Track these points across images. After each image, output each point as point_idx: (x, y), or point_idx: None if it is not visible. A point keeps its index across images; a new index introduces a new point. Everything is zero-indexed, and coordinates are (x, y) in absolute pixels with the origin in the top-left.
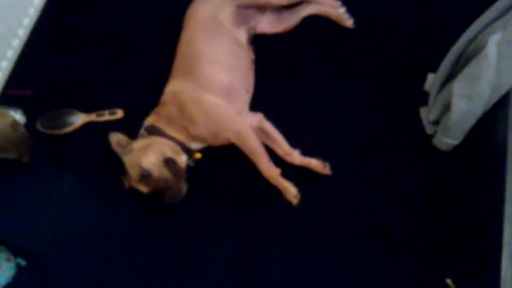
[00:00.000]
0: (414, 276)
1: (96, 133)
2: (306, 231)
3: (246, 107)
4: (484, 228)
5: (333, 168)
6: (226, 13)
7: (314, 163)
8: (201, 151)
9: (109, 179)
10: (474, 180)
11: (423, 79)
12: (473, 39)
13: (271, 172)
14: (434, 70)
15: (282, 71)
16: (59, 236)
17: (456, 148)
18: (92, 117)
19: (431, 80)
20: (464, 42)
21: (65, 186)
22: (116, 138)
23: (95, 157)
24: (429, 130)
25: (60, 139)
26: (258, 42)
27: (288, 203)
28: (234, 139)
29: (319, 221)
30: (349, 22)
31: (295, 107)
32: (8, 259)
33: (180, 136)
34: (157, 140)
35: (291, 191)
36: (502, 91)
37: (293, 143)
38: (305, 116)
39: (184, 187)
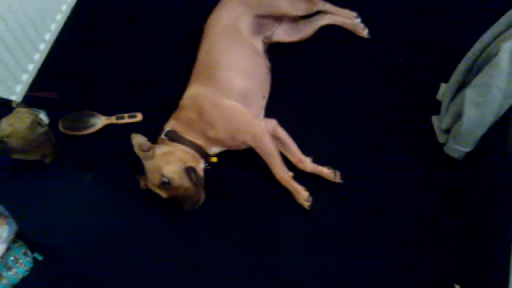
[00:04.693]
0: (422, 278)
1: (115, 135)
2: (318, 232)
3: (261, 112)
4: (493, 234)
5: (346, 174)
6: (245, 22)
7: (326, 172)
8: (216, 155)
9: (128, 180)
10: (485, 187)
11: (435, 89)
12: (486, 47)
13: (284, 175)
14: (445, 80)
15: (297, 79)
16: (77, 233)
17: (468, 155)
18: (112, 119)
19: (444, 90)
20: (476, 50)
21: (84, 185)
22: (138, 141)
23: (114, 157)
24: (440, 138)
25: (81, 140)
26: (275, 50)
27: (300, 206)
28: (250, 141)
29: (331, 223)
30: (364, 32)
31: (309, 114)
32: (25, 254)
33: (199, 141)
34: (178, 147)
35: (302, 194)
36: None
37: (306, 150)
38: (318, 123)
39: (202, 195)
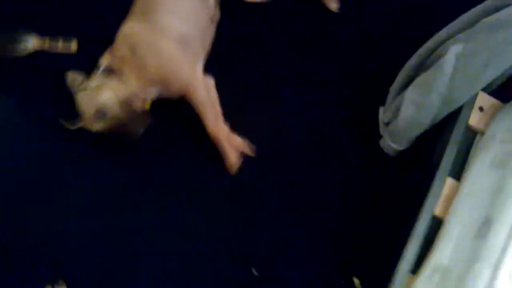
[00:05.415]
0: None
1: (46, 61)
2: (241, 195)
3: (200, 64)
4: (393, 238)
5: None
6: None
7: (239, 141)
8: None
9: (54, 112)
10: (404, 188)
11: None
12: (438, 46)
13: (221, 129)
14: None
15: (246, 42)
16: None
17: (401, 154)
18: (46, 42)
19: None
20: (429, 47)
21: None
22: (72, 76)
23: (41, 87)
24: (381, 130)
25: (8, 62)
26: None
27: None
28: (185, 90)
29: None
30: (334, 4)
31: (249, 81)
32: None
33: (133, 80)
34: (113, 80)
35: (233, 155)
36: (452, 107)
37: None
38: (256, 94)
39: (141, 127)
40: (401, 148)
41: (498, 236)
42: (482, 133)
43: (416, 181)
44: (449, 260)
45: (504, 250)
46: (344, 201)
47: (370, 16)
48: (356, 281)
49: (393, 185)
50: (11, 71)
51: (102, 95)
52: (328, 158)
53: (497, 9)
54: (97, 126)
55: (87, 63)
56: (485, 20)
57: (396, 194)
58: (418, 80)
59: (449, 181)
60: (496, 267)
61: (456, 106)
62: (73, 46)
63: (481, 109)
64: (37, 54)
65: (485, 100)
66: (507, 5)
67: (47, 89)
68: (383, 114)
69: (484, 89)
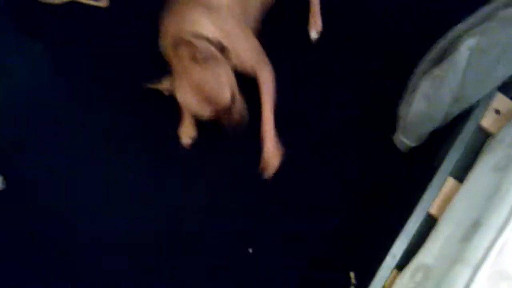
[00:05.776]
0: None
1: (76, 13)
2: None
3: None
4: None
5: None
6: None
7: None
8: None
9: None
10: (405, 186)
11: None
12: (457, 38)
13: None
14: None
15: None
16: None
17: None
18: None
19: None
20: (449, 39)
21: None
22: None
23: (70, 34)
24: (397, 125)
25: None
26: None
27: None
28: (264, 72)
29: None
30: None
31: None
32: None
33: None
34: (223, 58)
35: (274, 157)
36: (463, 105)
37: None
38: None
39: (245, 112)
40: (413, 144)
41: (483, 239)
42: (494, 137)
43: (424, 179)
44: (433, 260)
45: (486, 253)
46: (350, 197)
47: (371, 16)
48: (351, 274)
49: (402, 183)
50: (44, 18)
51: (224, 77)
52: (328, 158)
53: None
54: (207, 111)
55: (119, 17)
56: (501, 13)
57: (403, 191)
58: (432, 73)
59: (450, 181)
60: (476, 270)
61: (467, 104)
62: (105, 1)
63: (497, 111)
64: (71, 4)
65: (503, 103)
66: None
67: (76, 38)
68: (400, 108)
69: (505, 93)
